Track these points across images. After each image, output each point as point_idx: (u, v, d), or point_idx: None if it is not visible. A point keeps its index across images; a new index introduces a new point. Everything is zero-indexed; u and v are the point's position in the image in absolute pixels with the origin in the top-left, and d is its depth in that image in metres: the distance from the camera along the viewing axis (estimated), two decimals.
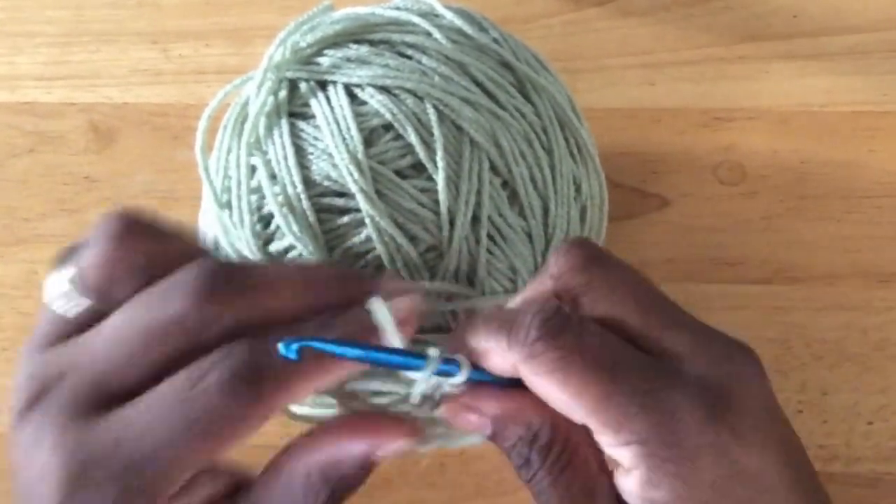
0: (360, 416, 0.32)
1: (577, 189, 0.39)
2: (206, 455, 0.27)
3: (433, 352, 0.29)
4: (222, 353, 0.27)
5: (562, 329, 0.28)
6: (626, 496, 0.28)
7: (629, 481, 0.27)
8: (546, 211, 0.37)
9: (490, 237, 0.35)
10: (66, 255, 0.30)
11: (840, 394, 0.45)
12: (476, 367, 0.30)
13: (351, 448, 0.30)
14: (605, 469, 0.29)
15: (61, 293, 0.29)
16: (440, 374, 0.29)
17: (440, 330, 0.35)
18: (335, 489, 0.29)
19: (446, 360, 0.29)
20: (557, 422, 0.29)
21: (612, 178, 0.43)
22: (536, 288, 0.31)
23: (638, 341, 0.28)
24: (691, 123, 0.50)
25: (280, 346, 0.27)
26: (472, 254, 0.35)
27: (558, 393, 0.27)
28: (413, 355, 0.29)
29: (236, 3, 0.54)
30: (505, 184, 0.36)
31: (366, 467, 0.30)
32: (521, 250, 0.36)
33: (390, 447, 0.30)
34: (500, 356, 0.29)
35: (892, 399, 0.44)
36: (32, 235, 0.50)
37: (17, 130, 0.52)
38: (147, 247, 0.29)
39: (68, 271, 0.29)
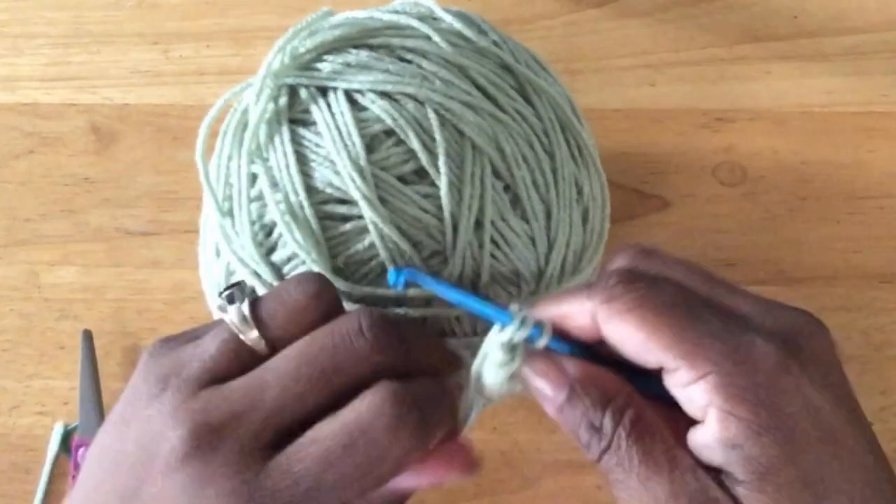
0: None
1: (579, 191, 0.39)
2: (372, 491, 0.29)
3: (518, 308, 0.30)
4: (381, 395, 0.29)
5: (639, 277, 0.28)
6: (704, 452, 0.27)
7: (706, 430, 0.27)
8: (548, 214, 0.37)
9: (493, 241, 0.36)
10: (241, 292, 0.31)
11: None
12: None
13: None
14: (682, 442, 0.28)
15: (240, 320, 0.30)
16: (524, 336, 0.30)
17: (444, 335, 0.36)
18: None
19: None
20: (631, 392, 0.28)
21: (612, 180, 0.43)
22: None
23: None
24: (691, 124, 0.50)
25: (390, 272, 0.31)
26: (476, 258, 0.35)
27: (635, 331, 0.27)
28: (502, 308, 0.30)
29: (237, 5, 0.54)
30: (507, 188, 0.36)
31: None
32: (524, 254, 0.36)
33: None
34: (579, 312, 0.29)
35: (892, 400, 0.44)
36: (33, 236, 0.50)
37: (17, 131, 0.52)
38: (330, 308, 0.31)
39: (251, 305, 0.31)
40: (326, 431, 0.28)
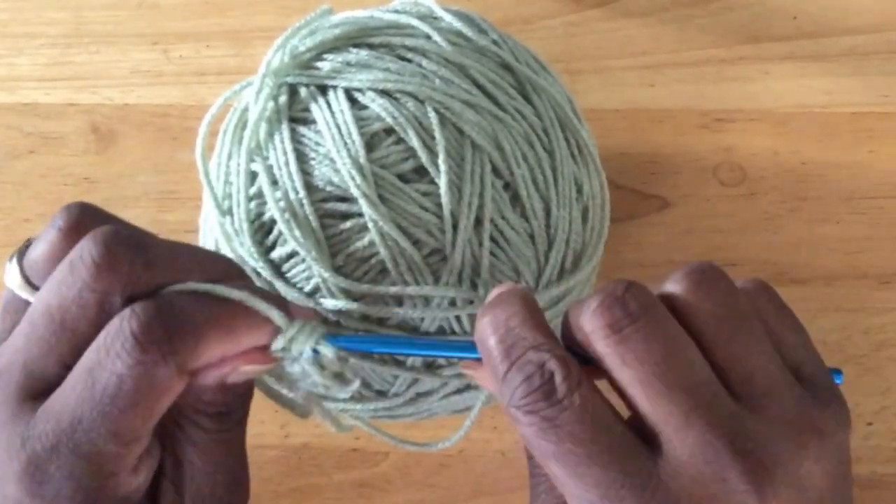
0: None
1: (579, 190, 0.39)
2: (135, 423, 0.27)
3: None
4: (124, 315, 0.27)
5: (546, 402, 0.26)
6: None
7: None
8: (548, 212, 0.37)
9: (493, 239, 0.36)
10: (24, 247, 0.30)
11: None
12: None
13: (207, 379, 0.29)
14: None
15: (17, 283, 0.29)
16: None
17: (443, 333, 0.36)
18: (213, 414, 0.30)
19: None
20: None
21: (612, 180, 0.43)
22: None
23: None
24: (692, 124, 0.50)
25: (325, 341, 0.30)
26: (476, 256, 0.35)
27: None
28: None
29: (237, 5, 0.54)
30: (507, 186, 0.36)
31: (233, 391, 0.30)
32: (523, 252, 0.36)
33: (245, 370, 0.30)
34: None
35: (892, 400, 0.44)
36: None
37: (17, 132, 0.52)
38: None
39: (20, 259, 0.29)
40: (76, 368, 0.27)
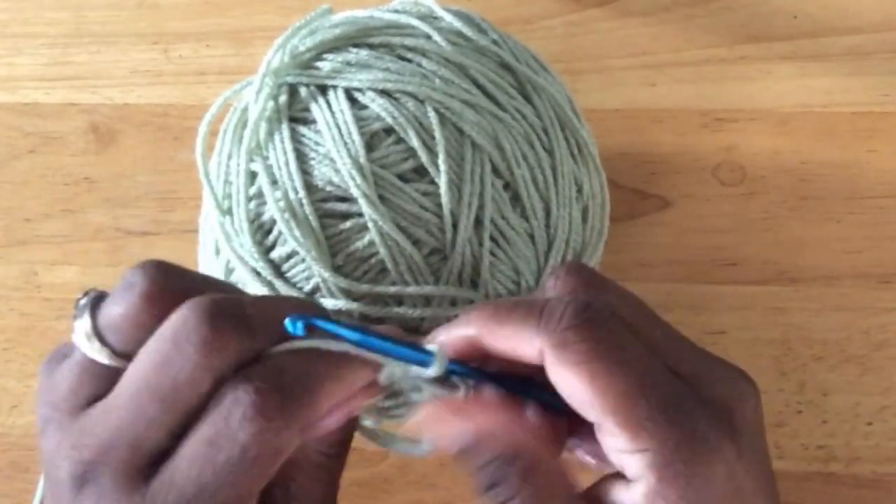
0: None
1: (579, 189, 0.39)
2: (258, 484, 0.27)
3: (437, 348, 0.29)
4: (237, 388, 0.27)
5: (596, 321, 0.27)
6: None
7: (629, 492, 0.27)
8: (548, 212, 0.37)
9: (493, 239, 0.36)
10: (92, 301, 0.29)
11: (840, 394, 0.45)
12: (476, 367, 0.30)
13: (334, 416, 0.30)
14: (574, 434, 0.29)
15: (97, 349, 0.28)
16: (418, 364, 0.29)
17: None
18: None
19: (426, 352, 0.29)
20: (531, 448, 0.28)
21: (612, 179, 0.43)
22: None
23: None
24: (692, 124, 0.50)
25: (287, 323, 0.27)
26: (476, 256, 0.35)
27: (583, 385, 0.27)
28: (416, 348, 0.29)
29: (237, 4, 0.54)
30: (507, 185, 0.36)
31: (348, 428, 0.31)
32: (523, 252, 0.36)
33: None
34: (526, 342, 0.28)
35: (892, 400, 0.44)
36: (33, 236, 0.50)
37: (17, 131, 0.52)
38: (176, 302, 0.28)
39: (93, 319, 0.28)
40: (191, 441, 0.27)
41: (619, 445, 0.27)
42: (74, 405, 0.28)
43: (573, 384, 0.27)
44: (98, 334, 0.28)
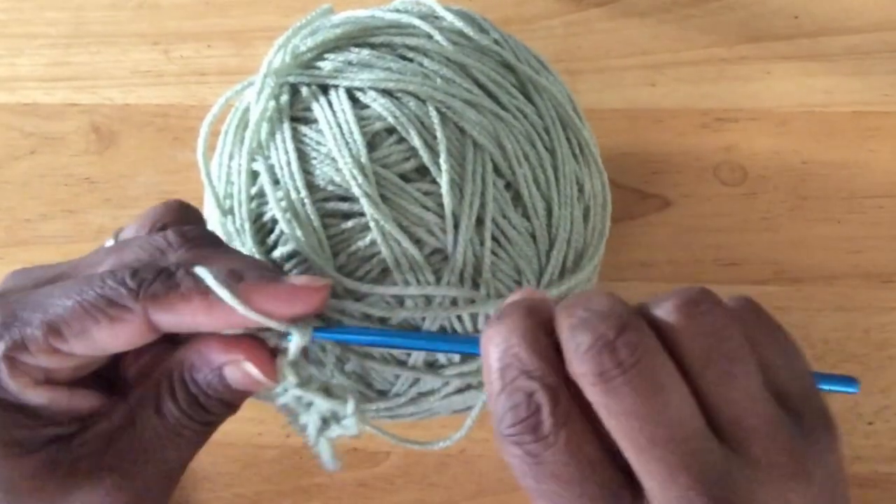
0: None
1: (580, 189, 0.39)
2: (78, 331, 0.28)
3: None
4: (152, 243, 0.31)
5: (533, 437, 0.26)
6: None
7: None
8: (549, 212, 0.37)
9: (494, 239, 0.36)
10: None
11: (840, 394, 0.45)
12: None
13: (210, 356, 0.31)
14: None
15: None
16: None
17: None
18: (195, 394, 0.31)
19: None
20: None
21: (613, 179, 0.43)
22: None
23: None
24: (692, 124, 0.50)
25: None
26: (477, 256, 0.35)
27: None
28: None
29: (237, 5, 0.54)
30: (508, 185, 0.36)
31: (223, 384, 0.31)
32: (525, 251, 0.36)
33: (245, 367, 0.31)
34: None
35: (892, 400, 0.44)
36: (33, 236, 0.50)
37: (18, 132, 0.52)
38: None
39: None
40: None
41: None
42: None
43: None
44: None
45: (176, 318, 0.29)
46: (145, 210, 0.34)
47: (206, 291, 0.29)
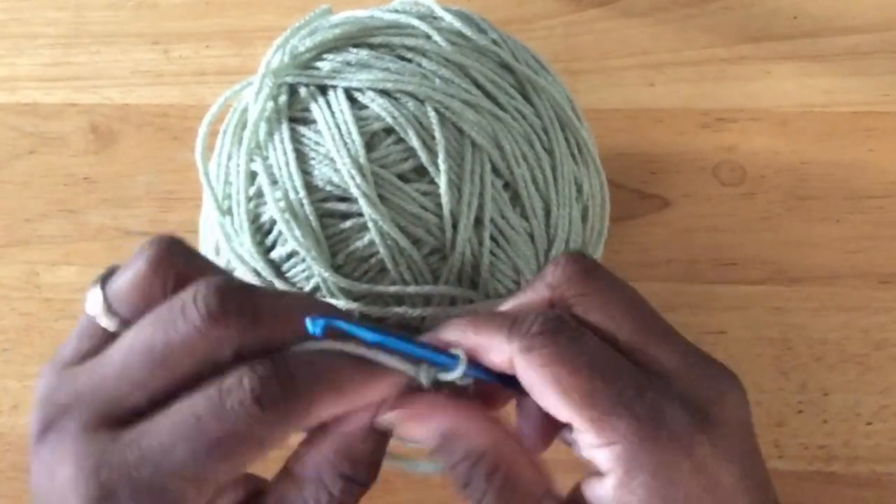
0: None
1: (579, 189, 0.39)
2: (231, 471, 0.27)
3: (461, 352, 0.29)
4: (243, 372, 0.27)
5: (561, 329, 0.28)
6: (596, 502, 0.28)
7: (602, 486, 0.28)
8: (548, 212, 0.37)
9: (493, 239, 0.36)
10: (107, 274, 0.29)
11: (840, 394, 0.45)
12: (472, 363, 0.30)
13: (353, 420, 0.30)
14: (551, 495, 0.29)
15: (100, 310, 0.29)
16: (438, 366, 0.29)
17: None
18: (348, 480, 0.30)
19: (447, 355, 0.29)
20: (502, 449, 0.29)
21: (612, 179, 0.43)
22: (531, 295, 0.31)
23: (628, 355, 0.29)
24: (692, 124, 0.50)
25: (307, 322, 0.27)
26: (476, 256, 0.35)
27: (549, 387, 0.28)
28: (433, 350, 0.29)
29: (237, 4, 0.54)
30: (507, 185, 0.36)
31: (376, 444, 0.31)
32: (523, 251, 0.36)
33: (384, 405, 0.30)
34: (497, 349, 0.29)
35: (892, 399, 0.44)
36: (33, 236, 0.50)
37: (17, 132, 0.52)
38: (179, 271, 0.29)
39: (103, 288, 0.29)
40: (176, 408, 0.27)
41: (589, 441, 0.28)
42: (71, 361, 0.28)
43: (541, 387, 0.28)
44: (107, 301, 0.28)
45: None
46: (138, 251, 0.29)
47: None
